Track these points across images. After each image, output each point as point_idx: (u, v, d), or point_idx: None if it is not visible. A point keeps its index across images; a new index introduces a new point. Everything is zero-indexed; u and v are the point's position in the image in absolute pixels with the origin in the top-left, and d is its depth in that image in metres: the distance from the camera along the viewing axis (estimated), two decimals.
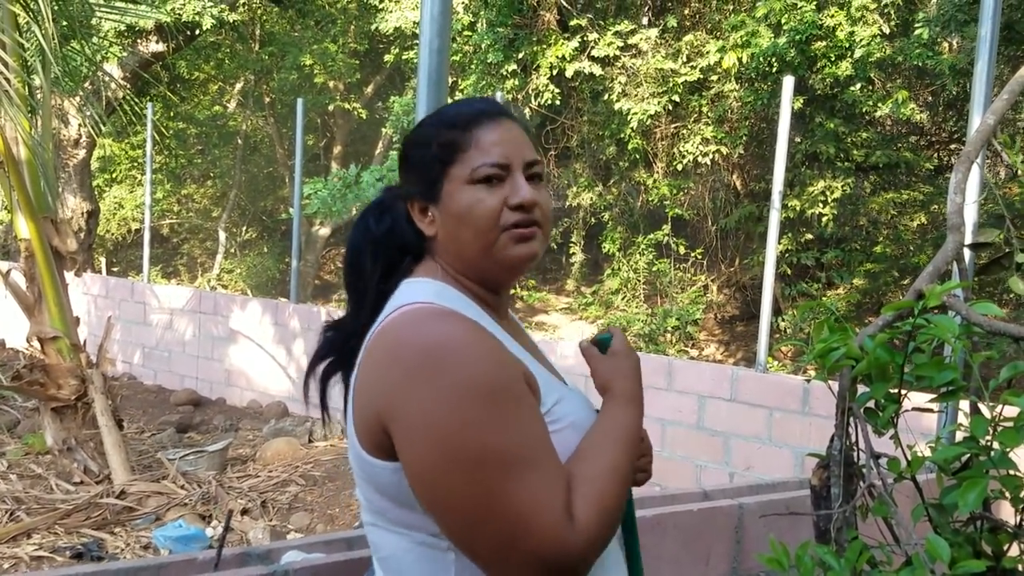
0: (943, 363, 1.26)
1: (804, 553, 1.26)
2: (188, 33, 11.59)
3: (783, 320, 8.97)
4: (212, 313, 8.86)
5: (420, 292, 1.26)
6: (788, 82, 5.76)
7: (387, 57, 12.23)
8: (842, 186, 8.65)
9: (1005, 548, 1.25)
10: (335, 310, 8.43)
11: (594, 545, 1.13)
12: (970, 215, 3.96)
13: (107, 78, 10.17)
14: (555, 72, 9.56)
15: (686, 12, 10.49)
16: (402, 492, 1.19)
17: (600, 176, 11.02)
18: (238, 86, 16.40)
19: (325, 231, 14.50)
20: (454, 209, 1.28)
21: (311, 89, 14.68)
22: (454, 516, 1.13)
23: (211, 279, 15.01)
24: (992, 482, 1.18)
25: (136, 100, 9.50)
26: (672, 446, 5.76)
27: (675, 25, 9.73)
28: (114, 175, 16.40)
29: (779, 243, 6.96)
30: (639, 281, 10.26)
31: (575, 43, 9.51)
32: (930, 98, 10.09)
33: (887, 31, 8.24)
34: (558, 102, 9.80)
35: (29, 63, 6.03)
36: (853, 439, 1.35)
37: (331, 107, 15.02)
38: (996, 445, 1.19)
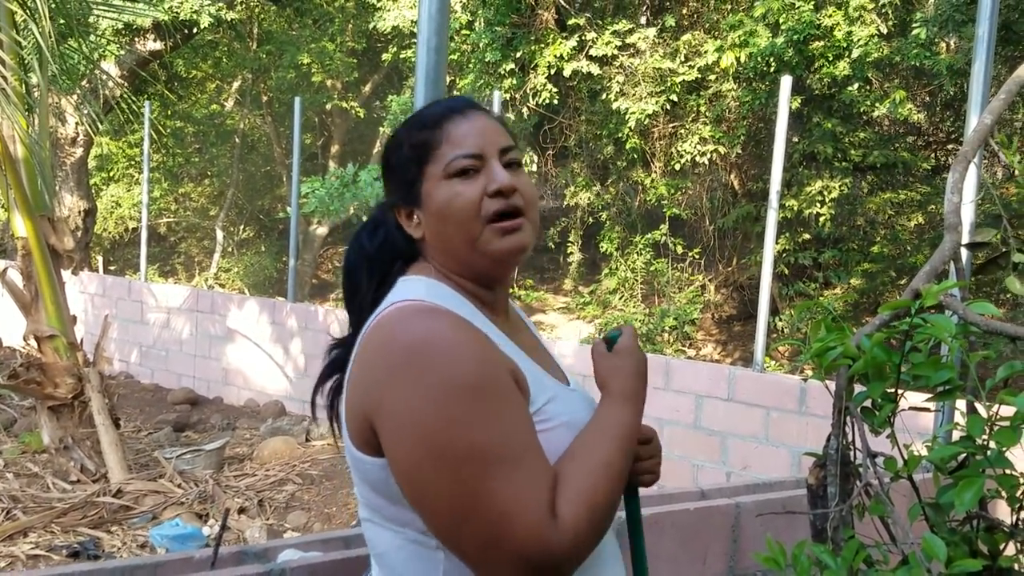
0: (940, 362, 1.26)
1: (801, 552, 1.26)
2: (186, 31, 11.58)
3: (780, 320, 8.98)
4: (209, 312, 8.86)
5: (412, 290, 1.26)
6: (786, 82, 5.76)
7: (385, 56, 12.21)
8: (839, 186, 8.65)
9: (1001, 547, 1.26)
10: (333, 309, 8.42)
11: (580, 543, 1.12)
12: (967, 215, 3.96)
13: (104, 76, 10.17)
14: (553, 71, 9.55)
15: (684, 12, 10.49)
16: (391, 489, 1.19)
17: (598, 176, 11.02)
18: (236, 85, 16.39)
19: (323, 230, 14.49)
20: (434, 207, 1.28)
21: (309, 88, 14.67)
22: (438, 514, 1.13)
23: (208, 278, 15.00)
24: (988, 481, 1.18)
25: (133, 98, 9.49)
26: (669, 446, 5.76)
27: (673, 24, 9.74)
28: (111, 173, 16.38)
29: (776, 243, 6.96)
30: (637, 281, 10.26)
31: (573, 42, 9.51)
32: (928, 98, 10.10)
33: (885, 31, 8.25)
34: (556, 101, 9.80)
35: (26, 61, 6.02)
36: (850, 438, 1.35)
37: (329, 106, 15.01)
38: (992, 444, 1.19)
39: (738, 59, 8.51)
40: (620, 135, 9.62)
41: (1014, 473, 1.19)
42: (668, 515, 2.48)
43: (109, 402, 5.66)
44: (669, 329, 9.66)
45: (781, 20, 8.26)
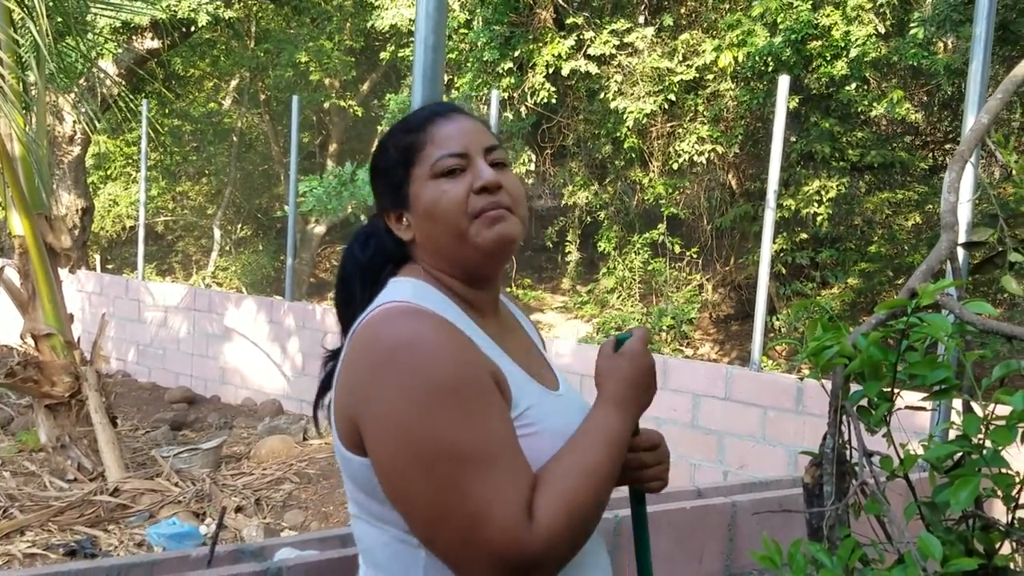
0: (936, 362, 1.26)
1: (797, 551, 1.26)
2: (183, 30, 11.58)
3: (778, 319, 8.98)
4: (207, 311, 8.85)
5: (399, 291, 1.27)
6: (784, 81, 5.76)
7: (383, 55, 12.21)
8: (837, 186, 8.66)
9: (997, 546, 1.26)
10: (330, 308, 8.42)
11: (556, 545, 1.12)
12: (964, 214, 3.96)
13: (102, 75, 10.16)
14: (551, 70, 9.55)
15: (682, 11, 10.49)
16: (376, 488, 1.20)
17: (596, 175, 11.02)
18: (233, 83, 16.37)
19: (320, 229, 14.48)
20: (422, 206, 1.29)
21: (307, 86, 14.65)
22: (416, 512, 1.15)
23: (206, 276, 14.99)
24: (984, 480, 1.18)
25: (131, 97, 9.47)
26: (667, 444, 5.76)
27: (671, 24, 9.73)
28: (109, 172, 16.36)
29: (774, 242, 6.97)
30: (634, 280, 10.26)
31: (571, 41, 9.50)
32: (925, 98, 10.11)
33: (882, 31, 8.25)
34: (554, 100, 9.80)
35: (24, 59, 6.01)
36: (846, 437, 1.36)
37: (327, 104, 15.00)
38: (988, 443, 1.19)
39: (736, 58, 8.51)
40: (618, 134, 9.62)
41: (1010, 472, 1.19)
42: (664, 514, 2.49)
43: (106, 401, 5.66)
44: (667, 328, 9.66)
45: (779, 19, 8.26)
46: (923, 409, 1.36)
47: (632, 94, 9.17)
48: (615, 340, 1.36)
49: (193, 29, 11.67)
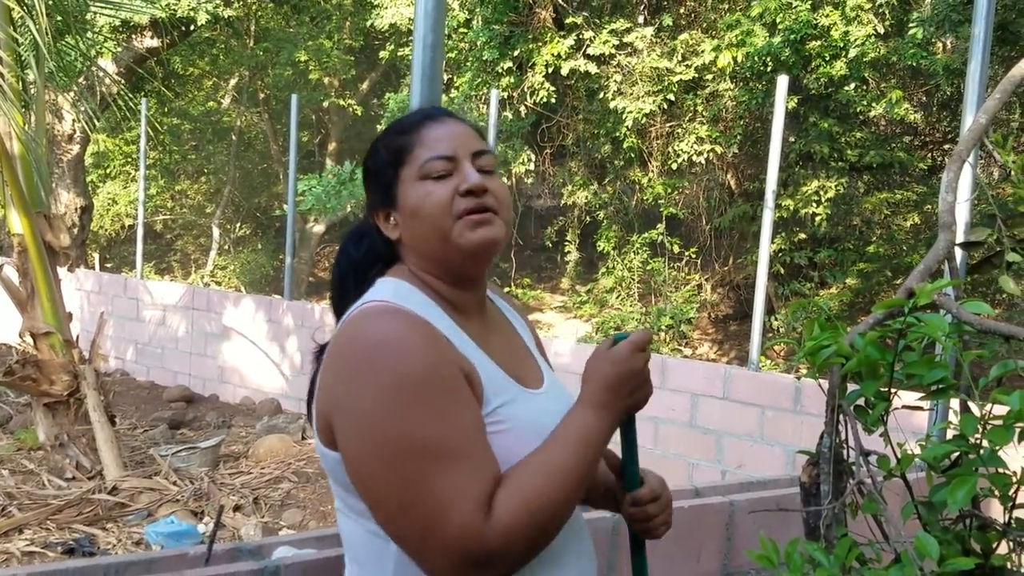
0: (933, 361, 1.27)
1: (794, 550, 1.26)
2: (183, 28, 11.57)
3: (776, 319, 8.99)
4: (205, 310, 8.85)
5: (381, 291, 1.31)
6: (782, 81, 5.76)
7: (382, 54, 12.20)
8: (836, 186, 8.66)
9: (994, 546, 1.26)
10: (329, 307, 8.41)
11: (514, 541, 1.14)
12: (962, 214, 3.96)
13: (101, 73, 10.15)
14: (551, 70, 9.55)
15: (681, 11, 10.50)
16: (349, 482, 1.24)
17: (595, 175, 11.03)
18: (233, 82, 16.36)
19: (319, 228, 14.47)
20: (408, 207, 1.32)
21: (306, 85, 14.65)
22: (380, 505, 1.18)
23: (204, 275, 14.99)
24: (981, 480, 1.18)
25: (130, 96, 9.47)
26: (665, 444, 5.77)
27: (670, 24, 9.74)
28: (108, 171, 16.35)
29: (772, 242, 6.98)
30: (633, 280, 10.27)
31: (571, 41, 9.50)
32: (924, 98, 10.12)
33: (882, 31, 8.25)
34: (553, 100, 9.80)
35: (23, 58, 6.01)
36: (843, 437, 1.36)
37: (326, 103, 14.99)
38: (985, 443, 1.20)
39: (735, 59, 8.51)
40: (617, 134, 9.62)
41: (1007, 472, 1.19)
42: None
43: (105, 399, 5.65)
44: (666, 328, 9.67)
45: (778, 20, 8.26)
46: (920, 409, 1.36)
47: (631, 94, 9.17)
48: (612, 340, 1.36)
49: (192, 28, 11.67)
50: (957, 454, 1.24)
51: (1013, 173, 1.71)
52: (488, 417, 1.24)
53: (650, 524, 1.42)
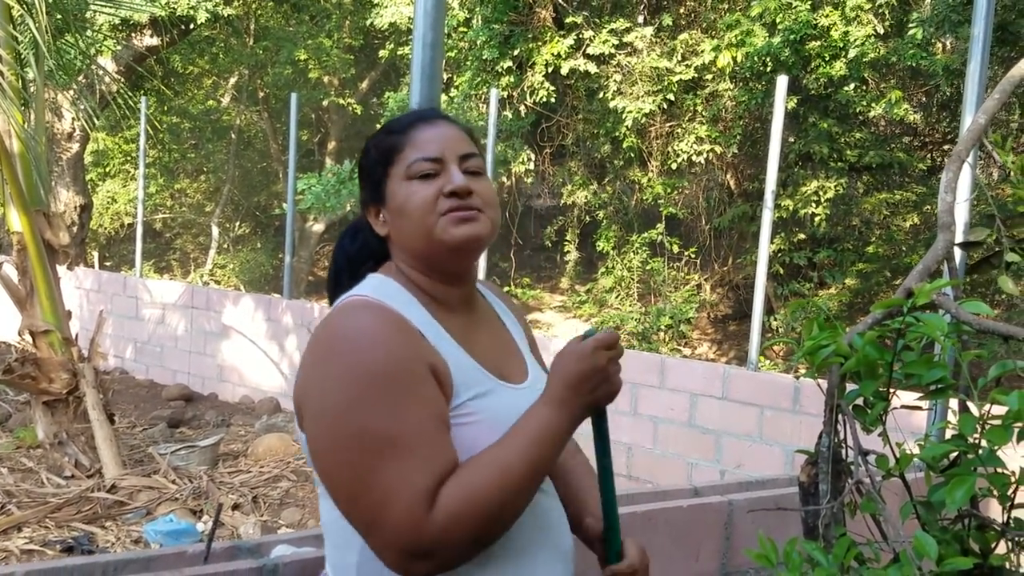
0: (932, 361, 1.27)
1: (792, 549, 1.26)
2: (182, 27, 11.56)
3: (775, 319, 8.99)
4: (204, 308, 8.85)
5: (364, 286, 1.36)
6: (782, 82, 5.76)
7: (382, 53, 12.19)
8: (835, 186, 8.66)
9: (992, 546, 1.26)
10: (328, 307, 8.41)
11: (453, 532, 1.16)
12: (961, 214, 3.96)
13: (101, 72, 10.14)
14: (550, 70, 9.55)
15: (681, 11, 10.50)
16: None
17: (595, 174, 11.03)
18: (232, 81, 16.35)
19: (319, 227, 14.47)
20: (395, 205, 1.37)
21: (305, 84, 14.64)
22: (336, 493, 1.23)
23: (204, 274, 14.98)
24: (980, 480, 1.18)
25: (130, 94, 9.46)
26: (664, 444, 5.77)
27: (670, 24, 9.74)
28: (107, 169, 16.34)
29: (772, 243, 6.98)
30: (633, 280, 10.27)
31: (570, 41, 9.50)
32: (924, 99, 10.12)
33: (881, 31, 8.25)
34: (553, 100, 9.80)
35: (23, 56, 6.00)
36: (842, 436, 1.36)
37: (325, 102, 14.98)
38: (984, 443, 1.20)
39: (735, 59, 8.51)
40: (617, 134, 9.62)
41: (1005, 472, 1.19)
42: (661, 512, 2.49)
43: (104, 398, 5.65)
44: (665, 328, 9.67)
45: (778, 20, 8.26)
46: (919, 408, 1.36)
47: (631, 94, 9.17)
48: (582, 336, 1.37)
49: (192, 26, 11.65)
50: (956, 454, 1.24)
51: (1012, 173, 1.71)
52: (458, 409, 1.27)
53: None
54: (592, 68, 9.37)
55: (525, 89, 9.75)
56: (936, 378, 1.25)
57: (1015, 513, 1.22)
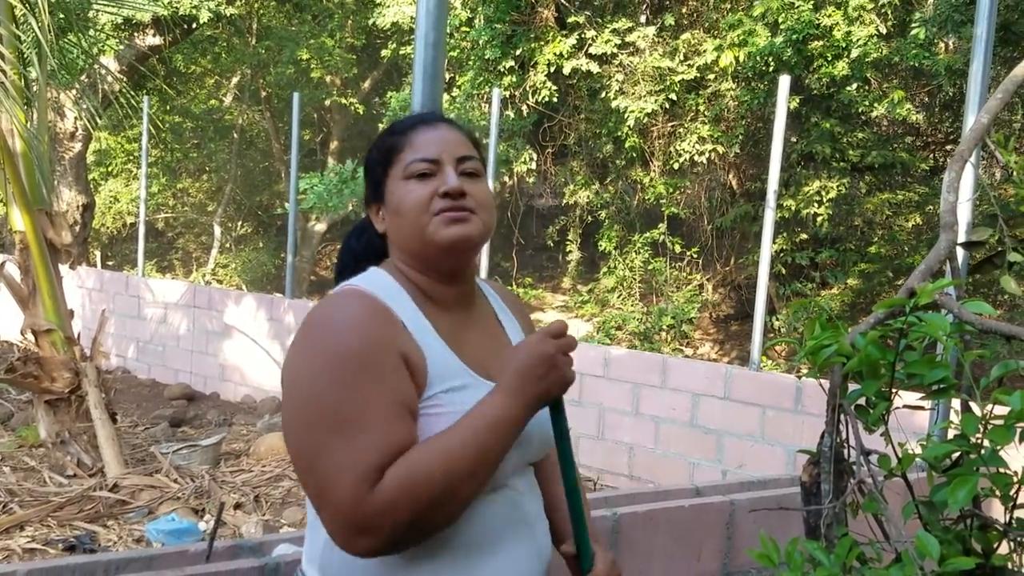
0: (935, 361, 1.26)
1: (794, 549, 1.26)
2: (185, 27, 11.57)
3: (777, 319, 8.98)
4: (207, 308, 8.85)
5: (359, 278, 1.41)
6: (784, 81, 5.76)
7: (384, 52, 12.19)
8: (837, 186, 8.65)
9: (994, 546, 1.26)
10: None
11: (391, 511, 1.19)
12: (964, 214, 3.96)
13: (103, 71, 10.15)
14: (553, 69, 9.55)
15: (684, 10, 10.49)
16: None
17: (597, 174, 11.02)
18: (234, 80, 16.35)
19: (321, 226, 14.47)
20: (393, 203, 1.42)
21: (308, 84, 14.64)
22: (296, 465, 1.27)
23: (206, 274, 14.98)
24: (982, 480, 1.18)
25: (132, 94, 9.47)
26: (665, 443, 5.77)
27: (672, 23, 9.73)
28: (110, 169, 16.35)
29: (774, 243, 6.97)
30: (635, 279, 10.26)
31: (573, 40, 9.50)
32: (926, 99, 10.10)
33: (884, 31, 8.24)
34: (555, 99, 9.80)
35: (25, 55, 6.01)
36: (844, 436, 1.36)
37: (328, 102, 14.98)
38: (986, 443, 1.20)
39: (737, 58, 8.51)
40: (619, 134, 9.62)
41: (1008, 472, 1.19)
42: (663, 512, 2.49)
43: (106, 397, 5.65)
44: (667, 328, 9.67)
45: (780, 19, 8.26)
46: (921, 408, 1.36)
47: (633, 93, 9.17)
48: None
49: (194, 26, 11.66)
50: (958, 454, 1.24)
51: (1015, 173, 1.71)
52: (428, 401, 1.30)
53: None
54: (594, 68, 9.36)
55: (527, 89, 9.75)
56: (938, 378, 1.25)
57: (1017, 513, 1.22)
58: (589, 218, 11.17)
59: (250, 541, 2.11)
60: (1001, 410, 1.16)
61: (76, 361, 5.63)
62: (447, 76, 9.98)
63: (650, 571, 2.44)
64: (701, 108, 9.39)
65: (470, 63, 10.07)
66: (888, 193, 9.56)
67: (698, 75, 9.17)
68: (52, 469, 5.57)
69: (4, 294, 5.84)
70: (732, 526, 2.60)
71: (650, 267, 10.17)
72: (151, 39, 11.58)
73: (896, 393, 1.29)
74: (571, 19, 9.66)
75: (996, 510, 1.29)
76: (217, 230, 15.61)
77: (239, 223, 16.70)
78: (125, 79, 10.77)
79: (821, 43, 8.24)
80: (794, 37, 8.13)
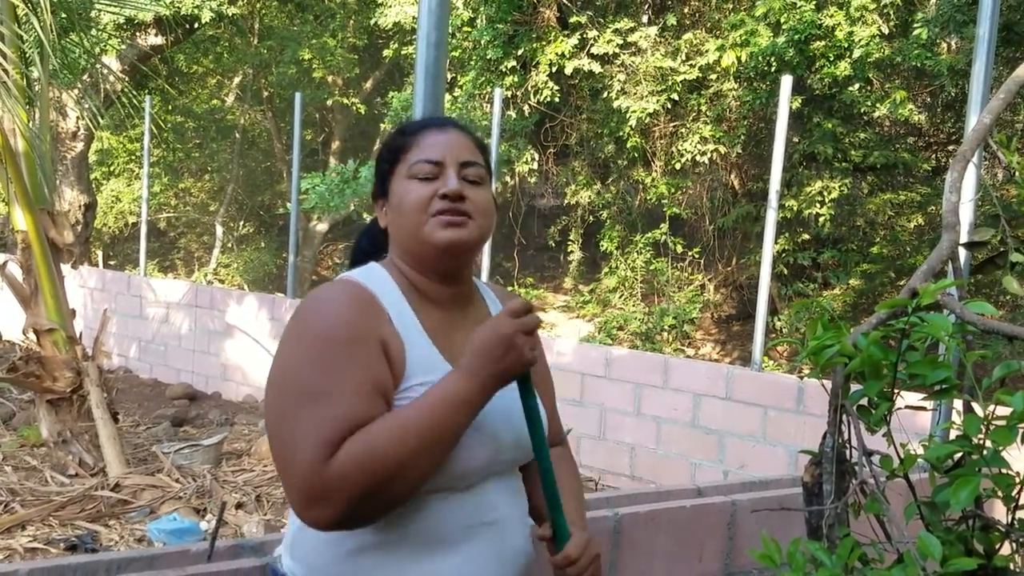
0: (937, 361, 1.26)
1: (796, 549, 1.26)
2: (187, 26, 11.58)
3: (779, 320, 8.98)
4: (208, 307, 8.86)
5: (355, 271, 1.46)
6: (786, 82, 5.75)
7: (386, 52, 12.20)
8: (839, 186, 8.65)
9: (996, 546, 1.26)
10: None
11: (344, 482, 1.22)
12: (966, 214, 3.95)
13: (105, 71, 10.15)
14: (554, 69, 9.55)
15: (686, 10, 10.48)
16: None
17: (598, 174, 11.02)
18: (236, 80, 16.36)
19: (323, 226, 14.47)
20: (395, 201, 1.46)
21: (310, 83, 14.64)
22: (269, 436, 1.32)
23: (208, 273, 14.99)
24: (984, 480, 1.18)
25: (134, 93, 9.47)
26: (667, 444, 5.77)
27: (674, 23, 9.73)
28: (112, 168, 16.37)
29: (776, 243, 6.96)
30: (636, 280, 10.26)
31: (575, 40, 9.50)
32: (928, 99, 10.09)
33: (886, 31, 8.24)
34: (557, 99, 9.80)
35: (27, 55, 6.01)
36: (846, 437, 1.36)
37: (330, 102, 14.99)
38: (989, 444, 1.19)
39: (739, 58, 8.50)
40: (621, 134, 9.62)
41: (1010, 472, 1.19)
42: (664, 512, 2.49)
43: (108, 396, 5.66)
44: (668, 328, 9.66)
45: (782, 20, 8.25)
46: (923, 409, 1.36)
47: (635, 93, 9.16)
48: None
49: (196, 25, 11.67)
50: (960, 454, 1.24)
51: (1017, 174, 1.70)
52: (405, 392, 1.34)
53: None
54: (596, 68, 9.36)
55: (529, 89, 9.75)
56: (940, 378, 1.25)
57: (1019, 514, 1.22)
58: (591, 218, 11.17)
59: (252, 541, 2.11)
60: (1003, 411, 1.16)
61: (78, 360, 5.64)
62: (449, 76, 9.99)
63: (651, 571, 2.44)
64: (703, 108, 9.39)
65: (472, 63, 10.07)
66: (890, 193, 9.56)
67: (700, 75, 9.16)
68: (54, 468, 5.57)
69: (6, 293, 5.84)
70: (734, 526, 2.60)
71: (652, 267, 10.17)
72: (153, 39, 11.59)
73: (898, 394, 1.29)
74: (573, 19, 9.66)
75: (998, 511, 1.28)
76: (219, 230, 15.62)
77: (241, 223, 16.71)
78: (127, 79, 10.78)
79: (823, 43, 8.24)
80: (796, 37, 8.12)
